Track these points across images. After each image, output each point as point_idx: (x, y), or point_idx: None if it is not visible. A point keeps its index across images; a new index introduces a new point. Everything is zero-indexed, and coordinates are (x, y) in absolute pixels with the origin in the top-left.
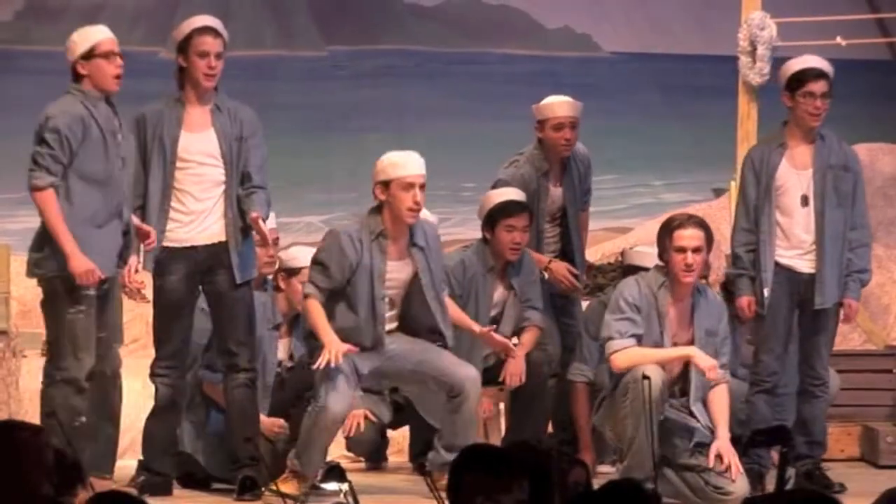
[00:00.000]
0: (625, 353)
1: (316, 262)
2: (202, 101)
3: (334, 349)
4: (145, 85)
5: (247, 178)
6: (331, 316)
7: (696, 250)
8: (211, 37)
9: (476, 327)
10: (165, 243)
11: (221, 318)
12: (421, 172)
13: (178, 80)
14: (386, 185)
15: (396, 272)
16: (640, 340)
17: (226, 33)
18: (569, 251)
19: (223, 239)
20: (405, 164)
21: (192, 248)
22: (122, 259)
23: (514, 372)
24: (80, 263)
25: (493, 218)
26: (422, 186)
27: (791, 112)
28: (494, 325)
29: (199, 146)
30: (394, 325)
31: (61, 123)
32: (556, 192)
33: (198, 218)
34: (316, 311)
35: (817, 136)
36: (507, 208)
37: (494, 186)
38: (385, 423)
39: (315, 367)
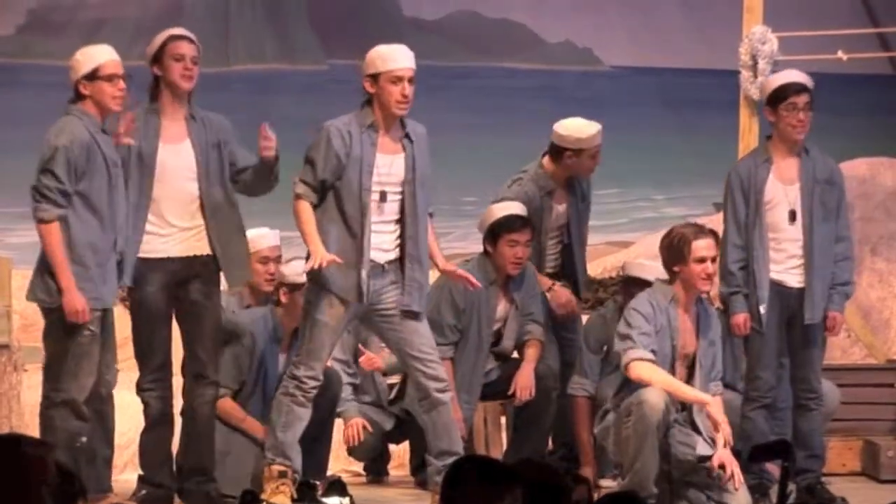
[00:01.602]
0: (646, 366)
1: (305, 158)
2: (178, 110)
3: (320, 255)
4: (145, 99)
5: (243, 171)
6: (320, 224)
7: (713, 259)
8: (186, 42)
9: (440, 262)
10: (141, 255)
11: (192, 329)
12: (410, 66)
13: (152, 92)
14: (374, 78)
15: (388, 166)
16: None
17: (199, 45)
18: (569, 266)
19: (199, 252)
20: (393, 57)
21: (168, 259)
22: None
23: (525, 385)
24: (75, 301)
25: (496, 232)
26: (410, 80)
27: (775, 127)
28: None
29: (178, 160)
30: (395, 246)
31: (71, 154)
32: (559, 209)
33: (176, 231)
34: (305, 215)
35: (802, 150)
36: (509, 223)
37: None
38: (387, 430)
39: (304, 271)
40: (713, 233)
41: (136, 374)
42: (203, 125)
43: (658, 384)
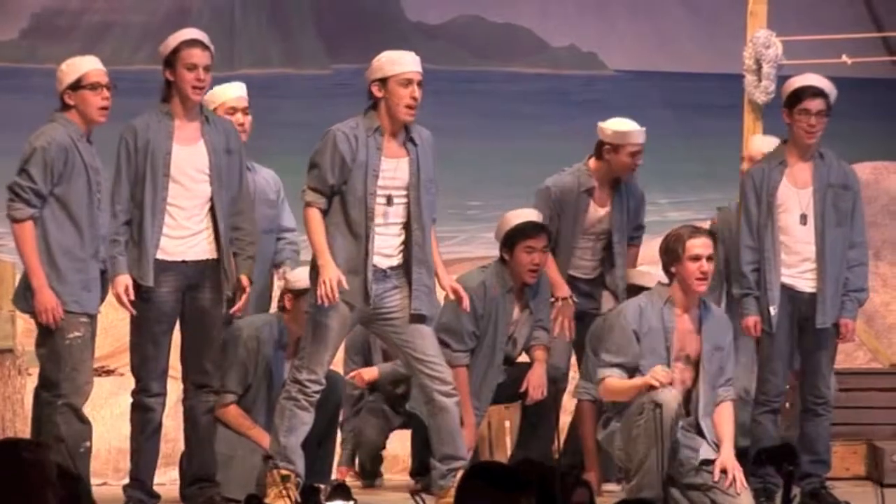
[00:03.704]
0: (603, 387)
1: (311, 163)
2: (190, 113)
3: (329, 278)
4: (151, 104)
5: (233, 203)
6: (325, 230)
7: (709, 258)
8: (199, 49)
9: (441, 277)
10: (158, 256)
11: (199, 336)
12: (418, 69)
13: (164, 94)
14: (383, 82)
15: (393, 170)
16: (631, 363)
17: (212, 47)
18: (610, 273)
19: (211, 256)
20: (402, 60)
21: (183, 262)
22: (101, 299)
23: (537, 384)
24: (47, 299)
25: (513, 239)
26: (419, 83)
27: (789, 129)
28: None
29: (191, 161)
30: (399, 251)
31: (47, 155)
32: (599, 212)
33: (189, 235)
34: (315, 224)
35: (816, 155)
36: (526, 230)
37: (539, 194)
38: (394, 426)
39: (317, 303)
40: (710, 233)
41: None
42: (216, 128)
43: (619, 393)
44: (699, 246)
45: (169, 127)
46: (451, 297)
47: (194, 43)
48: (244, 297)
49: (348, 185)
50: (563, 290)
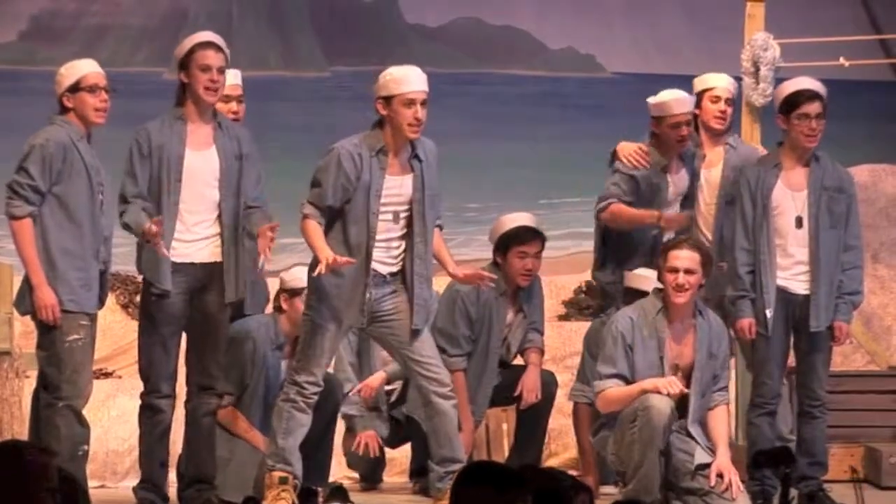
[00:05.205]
0: (602, 398)
1: (314, 180)
2: (204, 117)
3: (328, 255)
4: (149, 106)
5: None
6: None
7: (687, 271)
8: (213, 51)
9: (451, 267)
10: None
11: (204, 339)
12: (423, 89)
13: (179, 97)
14: (387, 100)
15: (397, 187)
16: (627, 373)
17: (227, 50)
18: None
19: (217, 260)
20: (407, 80)
21: (192, 264)
22: (101, 300)
23: (531, 387)
24: (46, 296)
25: (506, 243)
26: (423, 102)
27: (786, 134)
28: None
29: (203, 165)
30: (399, 259)
31: (46, 152)
32: (675, 178)
33: (198, 238)
34: (312, 230)
35: (812, 158)
36: (520, 235)
37: (616, 176)
38: (383, 436)
39: (315, 274)
40: (699, 248)
41: (135, 380)
42: (228, 135)
43: (618, 402)
44: (679, 258)
45: (182, 131)
46: (467, 282)
47: (208, 45)
48: (272, 236)
49: (350, 203)
50: (652, 214)
